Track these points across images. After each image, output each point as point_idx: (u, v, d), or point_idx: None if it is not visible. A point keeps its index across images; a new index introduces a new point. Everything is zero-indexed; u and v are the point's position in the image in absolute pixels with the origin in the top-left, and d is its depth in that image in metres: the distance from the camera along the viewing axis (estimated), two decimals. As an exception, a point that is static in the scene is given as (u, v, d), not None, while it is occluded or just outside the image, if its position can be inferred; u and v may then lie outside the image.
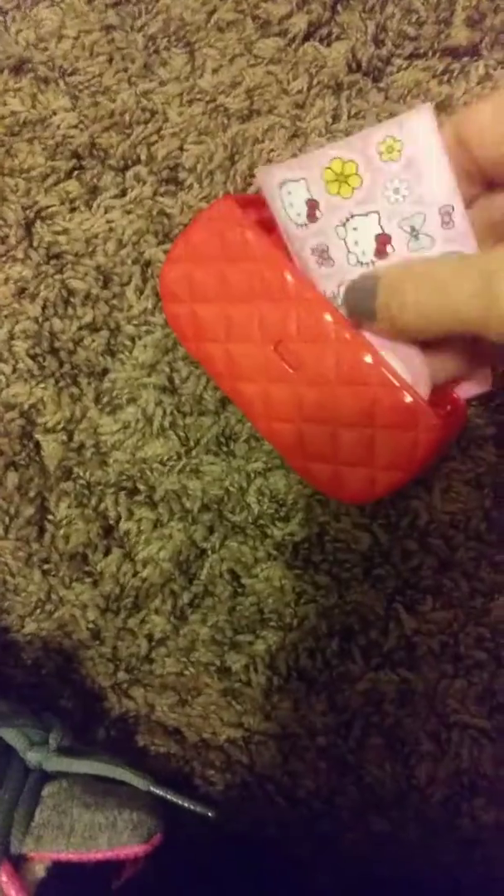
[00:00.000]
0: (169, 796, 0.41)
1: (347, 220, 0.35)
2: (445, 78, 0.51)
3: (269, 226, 0.39)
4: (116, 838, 0.38)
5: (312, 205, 0.36)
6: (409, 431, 0.35)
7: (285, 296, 0.37)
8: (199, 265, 0.40)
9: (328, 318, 0.36)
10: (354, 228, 0.35)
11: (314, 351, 0.37)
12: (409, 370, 0.36)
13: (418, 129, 0.32)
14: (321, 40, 0.52)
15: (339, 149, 0.34)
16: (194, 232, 0.40)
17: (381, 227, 0.34)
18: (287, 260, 0.38)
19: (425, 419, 0.35)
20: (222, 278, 0.39)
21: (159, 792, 0.41)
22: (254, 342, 0.39)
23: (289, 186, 0.36)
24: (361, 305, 0.34)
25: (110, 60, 0.52)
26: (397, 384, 0.35)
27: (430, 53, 0.51)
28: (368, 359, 0.36)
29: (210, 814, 0.41)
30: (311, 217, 0.36)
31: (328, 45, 0.52)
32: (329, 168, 0.34)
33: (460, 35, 0.51)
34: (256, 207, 0.40)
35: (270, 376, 0.39)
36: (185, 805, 0.41)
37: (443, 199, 0.33)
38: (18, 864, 0.38)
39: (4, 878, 0.37)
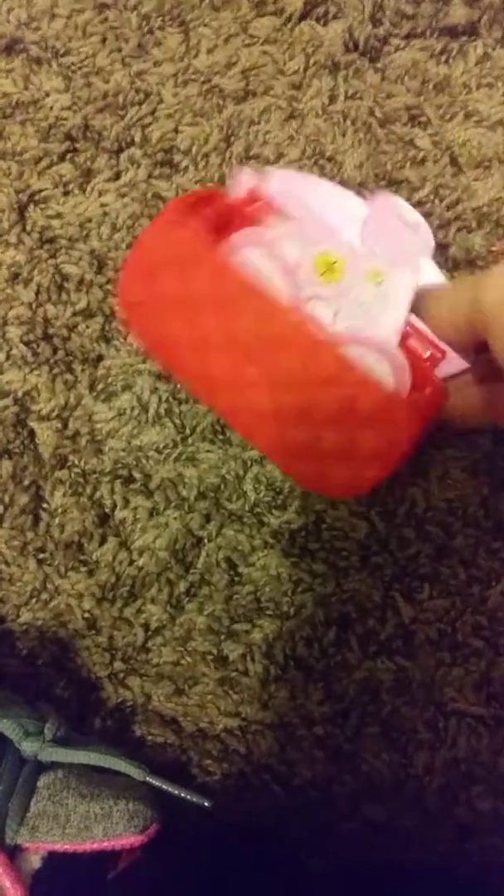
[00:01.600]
0: (165, 786, 0.41)
1: (310, 298, 0.38)
2: (443, 58, 0.50)
3: (228, 218, 0.39)
4: (112, 829, 0.38)
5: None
6: (388, 425, 0.35)
7: (245, 302, 0.37)
8: (155, 276, 0.39)
9: (291, 321, 0.36)
10: (312, 307, 0.38)
11: (283, 355, 0.37)
12: (388, 364, 0.36)
13: (401, 280, 0.36)
14: (318, 19, 0.51)
15: (333, 246, 0.37)
16: (146, 243, 0.39)
17: (334, 320, 0.38)
18: (241, 266, 0.38)
19: (403, 413, 0.35)
20: (180, 288, 0.38)
21: (155, 782, 0.41)
22: (220, 350, 0.39)
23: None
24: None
25: (104, 40, 0.51)
26: (371, 381, 0.35)
27: (427, 33, 0.50)
28: (338, 358, 0.36)
29: (206, 804, 0.41)
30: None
31: (325, 24, 0.51)
32: (323, 255, 0.37)
33: (458, 13, 0.50)
34: (213, 202, 0.39)
35: (240, 384, 0.39)
36: (182, 795, 0.41)
37: (390, 337, 0.37)
38: (14, 854, 0.38)
39: (0, 869, 0.37)
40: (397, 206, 0.39)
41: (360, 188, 0.48)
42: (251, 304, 0.37)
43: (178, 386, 0.48)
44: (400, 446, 0.36)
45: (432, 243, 0.39)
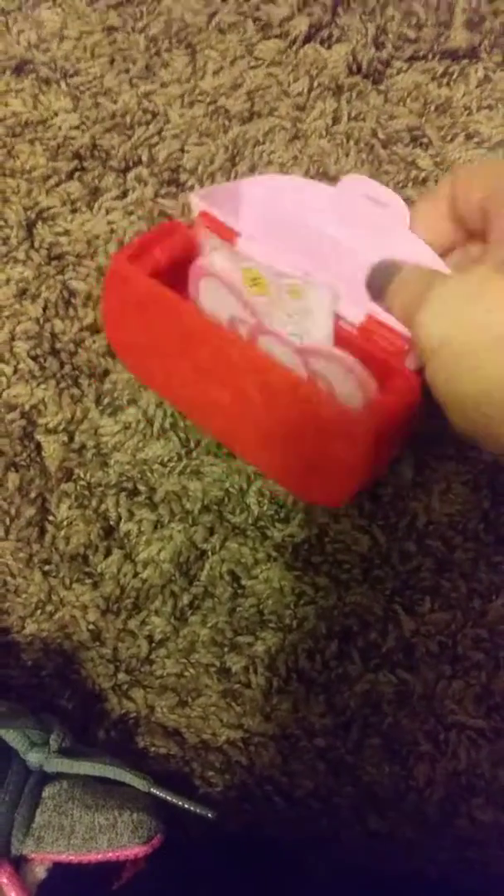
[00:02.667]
0: (169, 797, 0.41)
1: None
2: (445, 80, 0.51)
3: (183, 255, 0.41)
4: (117, 839, 0.38)
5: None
6: (348, 437, 0.36)
7: (199, 338, 0.39)
8: (126, 326, 0.42)
9: (239, 349, 0.38)
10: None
11: (242, 380, 0.38)
12: (349, 377, 0.36)
13: (318, 296, 0.36)
14: (322, 42, 0.52)
15: (254, 264, 0.38)
16: (107, 299, 0.42)
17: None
18: (186, 304, 0.39)
19: (360, 423, 0.35)
20: (147, 334, 0.41)
21: (160, 793, 0.41)
22: (195, 381, 0.41)
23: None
24: (375, 285, 0.35)
25: (112, 62, 0.52)
26: (323, 394, 0.36)
27: (429, 56, 0.51)
28: (287, 377, 0.37)
29: (210, 815, 0.41)
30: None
31: (329, 47, 0.52)
32: (247, 270, 0.38)
33: (460, 37, 0.51)
34: (161, 241, 0.40)
35: (218, 411, 0.41)
36: (186, 806, 0.41)
37: (322, 340, 0.38)
38: (19, 865, 0.38)
39: (5, 880, 0.37)
40: (366, 186, 0.39)
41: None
42: (206, 339, 0.39)
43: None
44: (364, 458, 0.36)
45: (406, 216, 0.38)
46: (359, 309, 0.37)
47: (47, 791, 0.40)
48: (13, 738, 0.41)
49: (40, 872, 0.39)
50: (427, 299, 0.31)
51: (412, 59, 0.51)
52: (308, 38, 0.52)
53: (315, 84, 0.51)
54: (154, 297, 0.39)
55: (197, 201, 0.41)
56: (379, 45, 0.51)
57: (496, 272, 0.30)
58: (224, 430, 0.44)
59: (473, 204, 0.35)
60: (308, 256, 0.40)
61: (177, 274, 0.40)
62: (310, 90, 0.51)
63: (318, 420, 0.36)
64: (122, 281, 0.40)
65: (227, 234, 0.40)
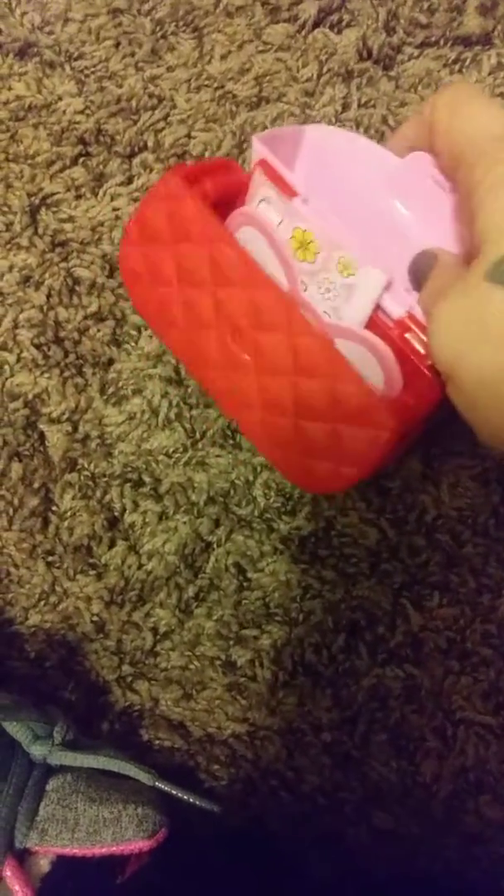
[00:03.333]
0: (174, 791, 0.40)
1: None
2: (457, 67, 0.50)
3: (230, 195, 0.38)
4: (121, 833, 0.38)
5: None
6: (369, 426, 0.34)
7: (238, 281, 0.36)
8: (153, 247, 0.38)
9: (284, 306, 0.35)
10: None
11: (270, 340, 0.36)
12: (376, 361, 0.35)
13: (370, 279, 0.35)
14: (331, 27, 0.51)
15: (312, 226, 0.35)
16: (144, 212, 0.38)
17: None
18: (236, 243, 0.36)
19: (385, 415, 0.34)
20: (176, 261, 0.38)
21: (165, 787, 0.40)
22: (211, 328, 0.38)
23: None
24: (415, 273, 0.34)
25: (117, 45, 0.51)
26: (357, 380, 0.34)
27: (441, 42, 0.50)
28: (327, 349, 0.35)
29: (215, 809, 0.41)
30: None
31: (339, 31, 0.51)
32: (299, 231, 0.36)
33: (472, 23, 0.50)
34: (214, 175, 0.38)
35: (229, 364, 0.39)
36: (191, 800, 0.40)
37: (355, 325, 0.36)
38: (23, 858, 0.38)
39: (9, 873, 0.37)
40: (432, 167, 0.35)
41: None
42: (247, 286, 0.36)
43: (189, 390, 0.48)
44: (379, 448, 0.35)
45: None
46: (400, 302, 0.35)
47: (51, 784, 0.40)
48: (17, 730, 0.40)
49: (44, 865, 0.38)
50: (431, 316, 0.30)
51: (424, 44, 0.50)
52: (317, 23, 0.51)
53: (324, 70, 0.50)
54: (202, 231, 0.36)
55: (259, 147, 0.37)
56: (390, 31, 0.50)
57: (490, 281, 0.28)
58: (230, 389, 0.40)
59: (450, 157, 0.32)
60: (360, 232, 0.37)
61: (218, 215, 0.37)
62: (319, 76, 0.50)
63: (350, 403, 0.34)
64: (170, 198, 0.36)
65: (286, 190, 0.37)
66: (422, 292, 0.33)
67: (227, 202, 0.38)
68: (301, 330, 0.35)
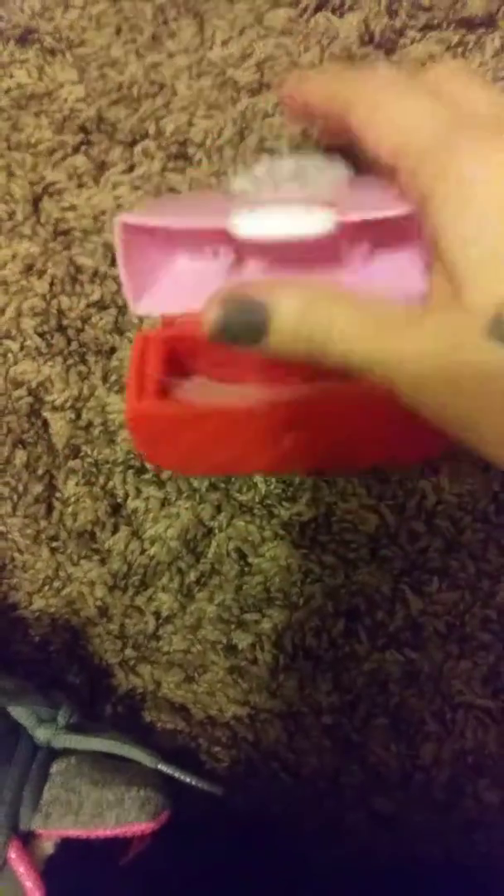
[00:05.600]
0: (177, 774, 0.41)
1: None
2: (460, 51, 0.50)
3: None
4: (124, 815, 0.39)
5: None
6: None
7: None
8: (159, 443, 0.38)
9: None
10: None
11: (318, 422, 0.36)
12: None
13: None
14: (333, 11, 0.50)
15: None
16: (136, 425, 0.36)
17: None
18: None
19: None
20: (185, 444, 0.37)
21: (168, 770, 0.41)
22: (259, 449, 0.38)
23: None
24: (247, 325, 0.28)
25: (118, 32, 0.51)
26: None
27: (444, 25, 0.50)
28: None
29: (217, 791, 0.41)
30: None
31: (341, 15, 0.50)
32: None
33: (476, 5, 0.49)
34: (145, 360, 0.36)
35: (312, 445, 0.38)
36: (194, 783, 0.41)
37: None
38: (27, 840, 0.38)
39: (13, 855, 0.37)
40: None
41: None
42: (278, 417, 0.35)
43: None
44: None
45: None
46: None
47: (55, 767, 0.40)
48: (21, 714, 0.41)
49: (48, 847, 0.39)
50: (392, 367, 0.25)
51: (426, 28, 0.50)
52: (319, 7, 0.50)
53: (326, 54, 0.50)
54: (188, 418, 0.35)
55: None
56: (392, 14, 0.50)
57: (495, 341, 0.23)
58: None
59: (381, 155, 0.27)
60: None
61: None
62: (321, 61, 0.50)
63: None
64: (146, 418, 0.35)
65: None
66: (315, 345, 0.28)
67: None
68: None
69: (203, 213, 0.34)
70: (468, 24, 0.50)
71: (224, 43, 0.50)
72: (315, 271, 0.34)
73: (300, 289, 0.27)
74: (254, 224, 0.29)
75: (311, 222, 0.28)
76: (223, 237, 0.30)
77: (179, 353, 0.36)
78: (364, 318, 0.26)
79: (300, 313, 0.27)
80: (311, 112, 0.32)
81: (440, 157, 0.24)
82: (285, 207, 0.29)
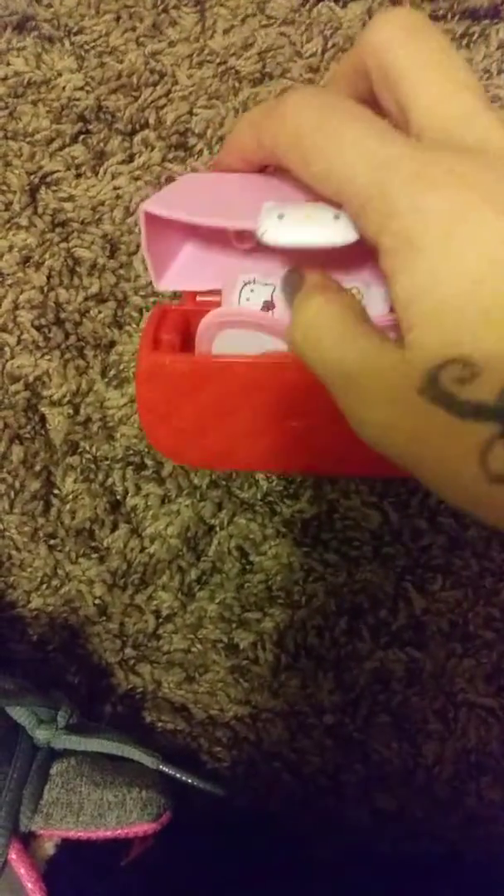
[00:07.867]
0: (179, 775, 0.41)
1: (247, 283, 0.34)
2: (464, 42, 0.49)
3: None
4: (125, 816, 0.38)
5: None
6: None
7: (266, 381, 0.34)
8: (167, 418, 0.37)
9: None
10: (252, 291, 0.34)
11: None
12: None
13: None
14: (336, 0, 0.50)
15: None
16: (144, 391, 0.36)
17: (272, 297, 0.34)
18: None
19: None
20: (202, 409, 0.36)
21: (169, 770, 0.41)
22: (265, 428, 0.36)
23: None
24: (286, 294, 0.31)
25: (118, 19, 0.50)
26: None
27: (448, 16, 0.49)
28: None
29: (218, 792, 0.41)
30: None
31: (344, 5, 0.50)
32: None
33: (481, -4, 0.49)
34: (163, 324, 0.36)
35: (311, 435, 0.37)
36: (195, 784, 0.41)
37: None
38: (28, 841, 0.38)
39: (14, 856, 0.37)
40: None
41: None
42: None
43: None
44: None
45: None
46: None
47: (55, 768, 0.40)
48: (21, 714, 0.40)
49: (49, 848, 0.39)
50: (343, 394, 0.25)
51: (430, 18, 0.49)
52: (322, -4, 0.50)
53: (329, 44, 0.49)
54: (199, 378, 0.34)
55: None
56: (396, 4, 0.49)
57: (427, 400, 0.22)
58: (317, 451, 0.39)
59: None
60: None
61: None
62: (324, 51, 0.49)
63: None
64: (160, 370, 0.34)
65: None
66: (290, 323, 0.28)
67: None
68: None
69: (227, 205, 0.33)
70: (473, 14, 0.49)
71: (226, 32, 0.50)
72: (328, 270, 0.34)
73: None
74: (281, 233, 0.28)
75: (338, 231, 0.27)
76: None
77: (193, 331, 0.35)
78: (344, 331, 0.26)
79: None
80: (253, 165, 0.31)
81: (379, 209, 0.23)
82: (312, 213, 0.28)
